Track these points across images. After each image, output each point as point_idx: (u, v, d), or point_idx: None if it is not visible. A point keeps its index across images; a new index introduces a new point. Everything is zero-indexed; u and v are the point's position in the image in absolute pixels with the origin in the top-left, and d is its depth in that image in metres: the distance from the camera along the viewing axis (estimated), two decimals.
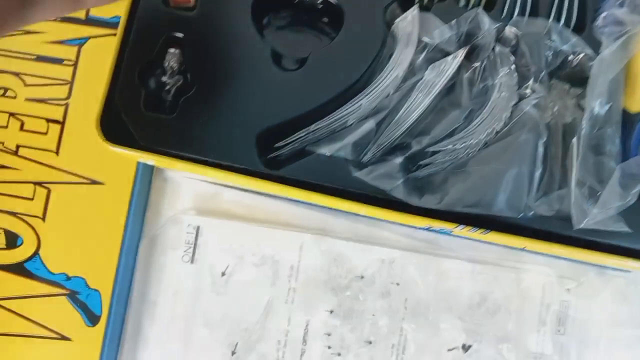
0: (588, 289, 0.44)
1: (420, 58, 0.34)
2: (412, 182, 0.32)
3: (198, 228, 0.44)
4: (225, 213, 0.44)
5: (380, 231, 0.44)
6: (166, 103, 0.33)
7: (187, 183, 0.45)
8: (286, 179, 0.32)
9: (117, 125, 0.32)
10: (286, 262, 0.44)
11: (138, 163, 0.42)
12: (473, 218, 0.32)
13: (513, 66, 0.34)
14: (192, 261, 0.44)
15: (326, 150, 0.32)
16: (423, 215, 0.32)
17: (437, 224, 0.32)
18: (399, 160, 0.32)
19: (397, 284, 0.44)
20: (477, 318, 0.44)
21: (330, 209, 0.45)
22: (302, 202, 0.45)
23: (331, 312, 0.44)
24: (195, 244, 0.44)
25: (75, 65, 0.43)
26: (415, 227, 0.44)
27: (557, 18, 0.35)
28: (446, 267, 0.44)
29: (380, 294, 0.44)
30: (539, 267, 0.44)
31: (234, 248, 0.44)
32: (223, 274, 0.44)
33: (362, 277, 0.44)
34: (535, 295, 0.44)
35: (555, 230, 0.32)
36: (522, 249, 0.45)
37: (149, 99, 0.33)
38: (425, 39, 0.34)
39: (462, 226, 0.32)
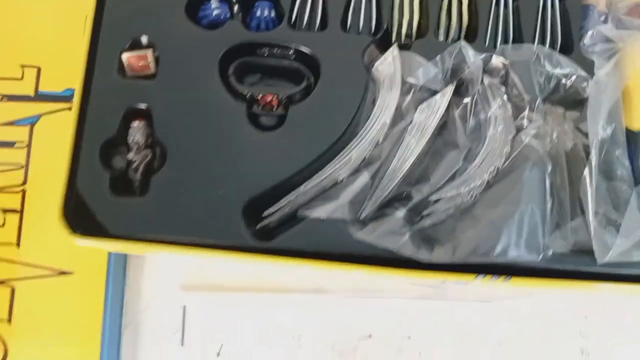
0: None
1: (407, 100, 0.31)
2: (418, 235, 0.29)
3: (184, 307, 0.40)
4: (212, 285, 0.41)
5: (383, 281, 0.41)
6: (135, 183, 0.30)
7: (167, 257, 0.41)
8: (281, 250, 0.29)
9: (82, 214, 0.29)
10: (286, 329, 0.40)
11: None
12: (491, 266, 0.29)
13: (505, 97, 0.32)
14: (182, 343, 0.40)
15: (321, 212, 0.29)
16: (437, 270, 0.29)
17: (454, 277, 0.29)
18: (401, 213, 0.30)
19: (409, 338, 0.40)
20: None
21: None
22: None
23: None
24: (183, 325, 0.40)
25: (28, 147, 0.39)
26: None
27: (542, 41, 0.33)
28: (458, 311, 0.41)
29: (392, 351, 0.40)
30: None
31: (226, 322, 0.40)
32: (218, 354, 0.39)
33: (369, 336, 0.40)
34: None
35: (579, 268, 0.29)
36: None
37: (115, 181, 0.29)
38: (410, 80, 0.31)
39: (481, 276, 0.29)
